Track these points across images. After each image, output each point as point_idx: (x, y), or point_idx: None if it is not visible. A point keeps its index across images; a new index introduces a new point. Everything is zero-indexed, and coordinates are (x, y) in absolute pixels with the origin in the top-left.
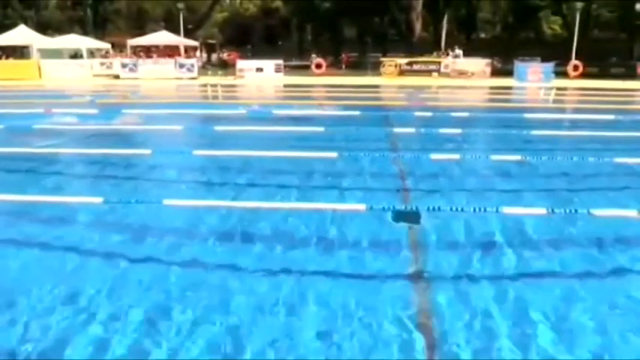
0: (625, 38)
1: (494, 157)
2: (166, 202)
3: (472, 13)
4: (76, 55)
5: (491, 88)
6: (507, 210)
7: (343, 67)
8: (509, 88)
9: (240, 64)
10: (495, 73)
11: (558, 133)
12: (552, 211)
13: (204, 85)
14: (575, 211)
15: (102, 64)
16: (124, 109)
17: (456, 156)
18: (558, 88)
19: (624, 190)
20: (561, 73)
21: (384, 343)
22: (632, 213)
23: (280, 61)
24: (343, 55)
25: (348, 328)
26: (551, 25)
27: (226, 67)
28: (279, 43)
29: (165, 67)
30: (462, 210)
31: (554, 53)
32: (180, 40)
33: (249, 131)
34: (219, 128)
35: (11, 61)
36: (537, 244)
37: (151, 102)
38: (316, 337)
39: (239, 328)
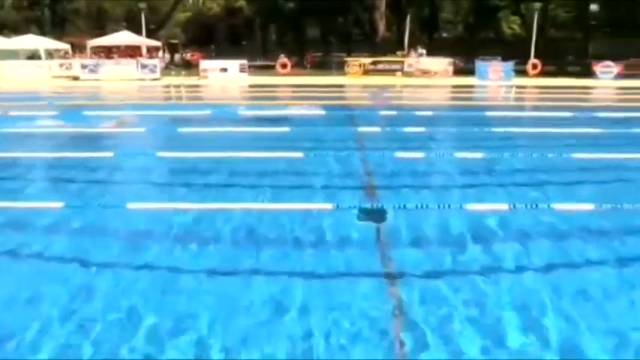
0: (580, 37)
1: (458, 154)
2: (130, 205)
3: (434, 13)
4: (33, 56)
5: (454, 86)
6: (471, 206)
7: (308, 66)
8: (472, 86)
9: (204, 64)
10: (457, 72)
11: (519, 130)
12: (514, 206)
13: (168, 86)
14: (536, 206)
15: (61, 65)
16: (84, 111)
17: (420, 154)
18: (518, 87)
19: (582, 184)
20: (521, 72)
21: (355, 341)
22: (589, 207)
23: (245, 61)
24: (308, 55)
25: (318, 327)
26: (511, 25)
27: (190, 67)
28: (243, 43)
29: (127, 67)
30: (427, 207)
31: (514, 52)
32: (142, 41)
33: (214, 132)
34: (183, 130)
35: None
36: (500, 239)
37: (113, 104)
38: (287, 337)
39: (208, 329)
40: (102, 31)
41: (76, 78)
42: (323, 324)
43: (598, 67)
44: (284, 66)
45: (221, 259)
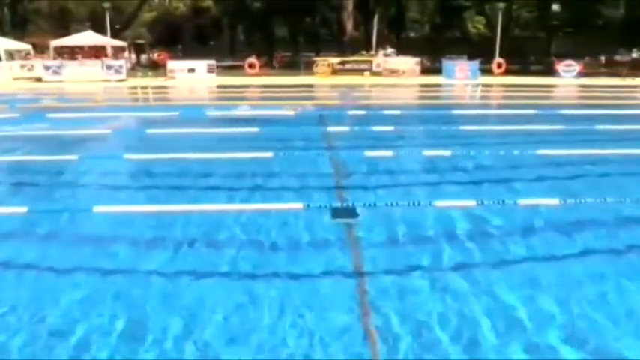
0: (543, 37)
1: (427, 152)
2: (97, 208)
3: (401, 13)
4: None
5: (422, 85)
6: (440, 203)
7: (276, 66)
8: (439, 85)
9: (171, 64)
10: (425, 71)
11: (485, 128)
12: (482, 202)
13: (134, 87)
14: (503, 202)
15: (22, 66)
16: (48, 114)
17: (390, 152)
18: (484, 85)
19: (547, 180)
20: (486, 71)
21: (327, 341)
22: (554, 201)
23: (213, 62)
24: (276, 55)
25: (289, 327)
26: (476, 25)
27: (156, 68)
28: (211, 43)
29: (92, 69)
30: (397, 205)
31: (479, 51)
32: (107, 41)
33: (182, 134)
34: (151, 131)
35: None
36: (469, 236)
37: (78, 106)
38: (258, 338)
39: (178, 331)
40: (65, 32)
41: (38, 79)
42: (294, 324)
43: (560, 66)
44: (252, 66)
45: (191, 261)
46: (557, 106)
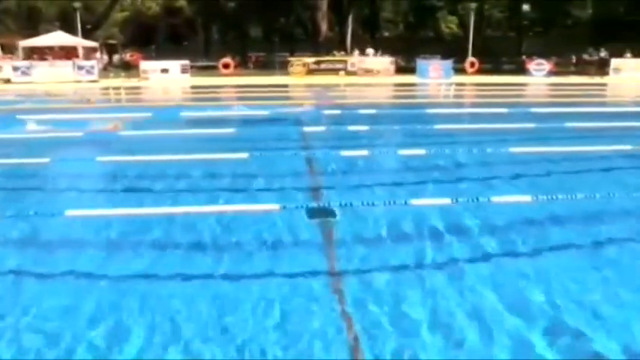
0: (514, 37)
1: (402, 151)
2: (69, 212)
3: (375, 13)
4: None
5: (396, 85)
6: (416, 202)
7: (251, 66)
8: (413, 84)
9: (144, 65)
10: (399, 70)
11: (460, 127)
12: (456, 200)
13: (107, 88)
14: (478, 199)
15: None
16: (18, 115)
17: (365, 152)
18: (457, 84)
19: (519, 177)
20: (459, 70)
21: (305, 341)
22: (527, 198)
23: (187, 62)
24: (251, 55)
25: (267, 328)
26: (449, 25)
27: (129, 68)
28: (185, 43)
29: (63, 69)
30: (374, 204)
31: (452, 51)
32: (78, 41)
33: (157, 135)
34: (123, 133)
35: None
36: (444, 233)
37: (48, 107)
38: (237, 338)
39: (153, 333)
40: (34, 32)
41: (7, 81)
42: (273, 324)
43: (531, 65)
44: (227, 66)
45: (167, 264)
46: (529, 104)
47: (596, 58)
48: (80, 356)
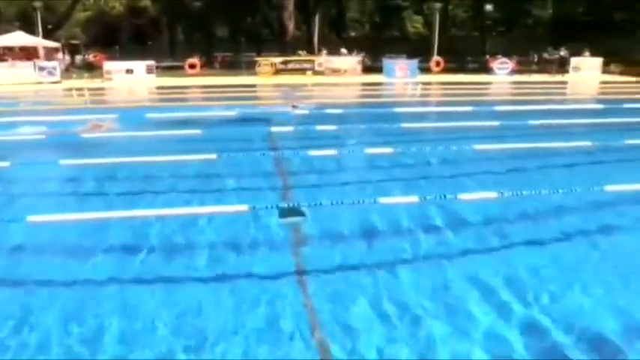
0: (478, 36)
1: (369, 150)
2: (31, 218)
3: (342, 13)
4: None
5: (363, 84)
6: (384, 200)
7: (218, 67)
8: (380, 84)
9: (108, 65)
10: (366, 70)
11: (426, 125)
12: (424, 198)
13: (69, 90)
14: (444, 196)
15: None
16: None
17: (333, 151)
18: (423, 83)
19: (485, 174)
20: (425, 69)
21: (273, 342)
22: (493, 195)
23: (152, 62)
24: (217, 55)
25: (237, 328)
26: (414, 24)
27: (92, 69)
28: (150, 43)
29: (24, 70)
30: (342, 203)
31: (418, 50)
32: (39, 42)
33: (122, 137)
34: (88, 135)
35: None
36: (412, 231)
37: (8, 110)
38: (205, 340)
39: (119, 337)
40: None
41: None
42: (243, 325)
43: (495, 64)
44: (193, 66)
45: (135, 267)
46: (493, 102)
47: (556, 56)
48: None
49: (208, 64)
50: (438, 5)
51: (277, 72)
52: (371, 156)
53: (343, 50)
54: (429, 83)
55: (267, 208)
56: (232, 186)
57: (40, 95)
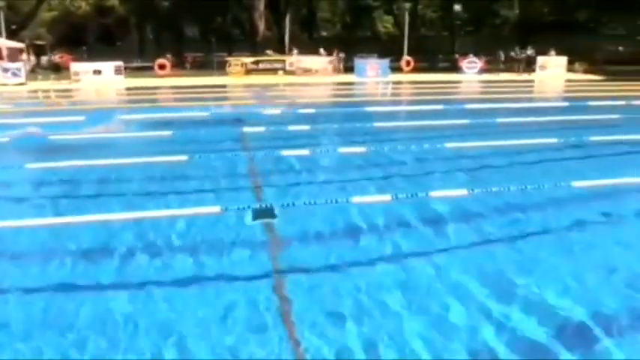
0: (447, 36)
1: (342, 149)
2: None
3: (313, 13)
4: None
5: (335, 84)
6: (357, 199)
7: (188, 67)
8: (351, 83)
9: (75, 66)
10: (338, 69)
11: (397, 124)
12: (396, 196)
13: (35, 91)
14: (416, 194)
15: None
16: None
17: (306, 151)
18: (395, 82)
19: (457, 172)
20: (396, 68)
21: (249, 342)
22: (463, 192)
23: (120, 63)
24: (188, 55)
25: (212, 329)
26: (385, 24)
27: (59, 70)
28: (118, 43)
29: None
30: (315, 203)
31: (389, 50)
32: (2, 42)
33: (90, 139)
34: (55, 137)
35: None
36: (385, 229)
37: None
38: (181, 341)
39: (89, 343)
40: None
41: None
42: (218, 326)
43: (464, 63)
44: (163, 67)
45: (106, 272)
46: (463, 101)
47: (523, 55)
48: None
49: (179, 65)
50: (407, 5)
51: (248, 72)
52: (343, 155)
53: (322, 51)
54: (399, 82)
55: (239, 209)
56: (204, 187)
57: (5, 97)
